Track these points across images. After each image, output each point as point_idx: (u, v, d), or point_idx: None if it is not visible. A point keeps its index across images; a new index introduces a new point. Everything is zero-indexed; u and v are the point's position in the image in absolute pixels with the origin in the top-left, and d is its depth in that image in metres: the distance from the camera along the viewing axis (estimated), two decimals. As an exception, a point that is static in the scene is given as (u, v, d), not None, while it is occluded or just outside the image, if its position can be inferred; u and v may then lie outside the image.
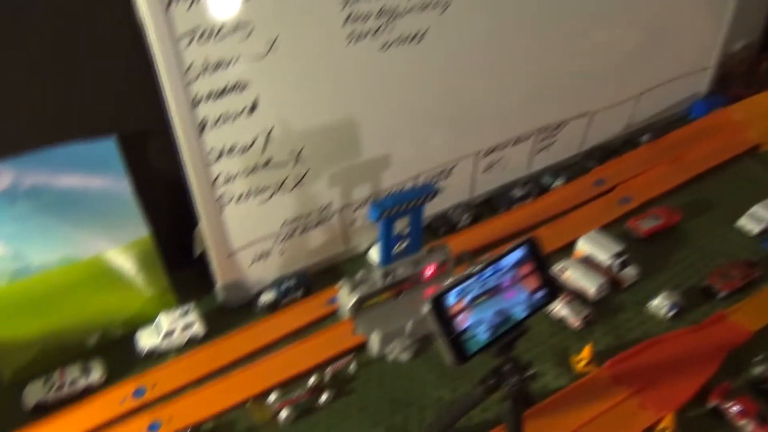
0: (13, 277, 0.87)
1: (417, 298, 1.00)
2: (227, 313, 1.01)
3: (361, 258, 1.13)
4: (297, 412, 0.86)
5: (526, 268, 0.73)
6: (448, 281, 0.68)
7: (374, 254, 1.12)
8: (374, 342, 0.94)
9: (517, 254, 0.72)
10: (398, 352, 0.94)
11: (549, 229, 1.16)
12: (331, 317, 1.01)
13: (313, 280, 1.06)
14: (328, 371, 0.91)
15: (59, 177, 0.88)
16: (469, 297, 0.68)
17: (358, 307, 0.94)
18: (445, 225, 1.18)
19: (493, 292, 0.70)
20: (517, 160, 1.27)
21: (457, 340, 0.67)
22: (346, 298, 0.95)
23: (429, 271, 1.00)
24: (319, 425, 0.86)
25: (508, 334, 0.70)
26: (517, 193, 1.26)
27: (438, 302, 0.66)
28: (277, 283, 1.04)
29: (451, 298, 0.67)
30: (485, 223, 1.20)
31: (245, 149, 0.94)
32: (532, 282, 0.73)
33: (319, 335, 0.97)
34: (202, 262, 1.02)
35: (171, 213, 1.00)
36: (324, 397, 0.88)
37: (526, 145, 1.27)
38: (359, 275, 0.96)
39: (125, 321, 0.98)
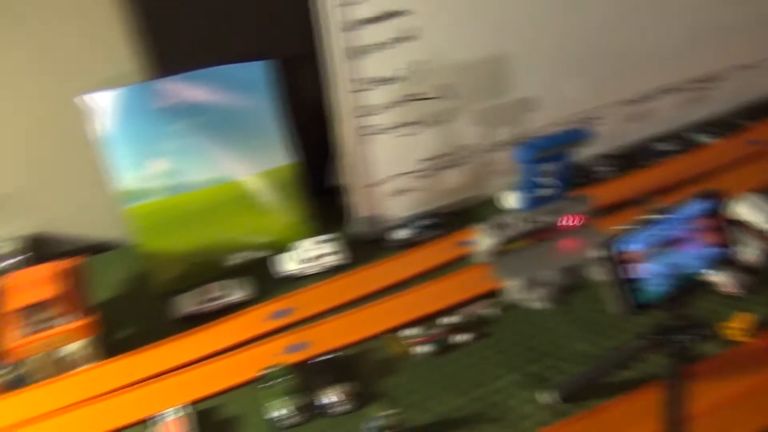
0: (171, 193, 0.91)
1: (556, 248, 0.97)
2: (360, 246, 1.02)
3: (494, 203, 1.10)
4: (432, 349, 0.86)
5: (706, 222, 0.67)
6: (625, 226, 0.64)
7: (510, 200, 1.08)
8: (512, 288, 0.92)
9: (699, 206, 0.67)
10: (536, 300, 0.91)
11: (696, 188, 1.08)
12: (464, 259, 0.99)
13: (445, 220, 1.05)
14: (465, 312, 0.90)
15: (215, 97, 0.90)
16: (644, 245, 0.64)
17: (497, 251, 0.92)
18: (583, 175, 1.13)
19: (671, 243, 0.65)
20: (664, 111, 1.18)
21: (628, 289, 0.63)
22: (484, 241, 0.93)
23: (569, 220, 0.96)
24: (453, 364, 0.85)
25: (682, 288, 0.66)
26: (662, 147, 1.18)
27: (612, 248, 0.63)
28: (410, 221, 1.03)
29: (626, 245, 0.63)
30: (626, 176, 1.13)
31: (395, 80, 0.92)
32: (711, 237, 0.68)
33: (454, 276, 0.96)
34: (338, 193, 1.03)
35: (310, 141, 1.00)
36: (460, 338, 0.87)
37: (676, 97, 1.18)
38: (499, 219, 0.93)
39: (267, 244, 1.00)
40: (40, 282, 0.79)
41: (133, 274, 0.98)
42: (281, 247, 0.99)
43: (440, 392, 0.81)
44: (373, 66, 0.90)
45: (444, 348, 0.86)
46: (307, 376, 0.82)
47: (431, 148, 1.00)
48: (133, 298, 0.94)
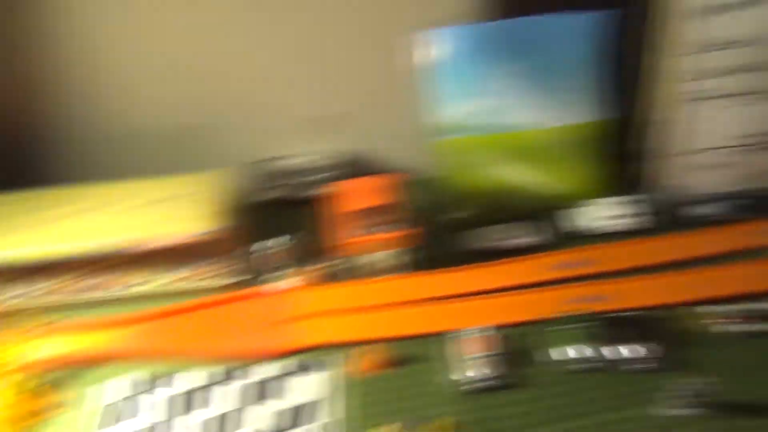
0: (484, 132, 0.96)
1: None
2: (658, 214, 0.97)
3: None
4: (744, 330, 0.80)
5: None
6: None
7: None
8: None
9: None
10: None
11: None
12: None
13: (756, 203, 0.97)
14: (775, 303, 0.83)
15: (543, 44, 0.92)
16: None
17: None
18: None
19: None
20: None
21: None
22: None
23: None
24: (751, 353, 0.79)
25: None
26: None
27: None
28: (717, 197, 0.97)
29: None
30: None
31: (734, 45, 0.86)
32: None
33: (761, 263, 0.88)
34: (641, 157, 1.00)
35: (621, 101, 0.98)
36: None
37: None
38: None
39: (560, 197, 1.01)
40: (370, 191, 0.89)
41: (431, 203, 1.05)
42: (574, 201, 1.00)
43: (747, 375, 0.76)
44: (713, 29, 0.85)
45: (757, 333, 0.80)
46: (603, 328, 0.82)
47: (759, 123, 0.93)
48: (430, 224, 1.01)
